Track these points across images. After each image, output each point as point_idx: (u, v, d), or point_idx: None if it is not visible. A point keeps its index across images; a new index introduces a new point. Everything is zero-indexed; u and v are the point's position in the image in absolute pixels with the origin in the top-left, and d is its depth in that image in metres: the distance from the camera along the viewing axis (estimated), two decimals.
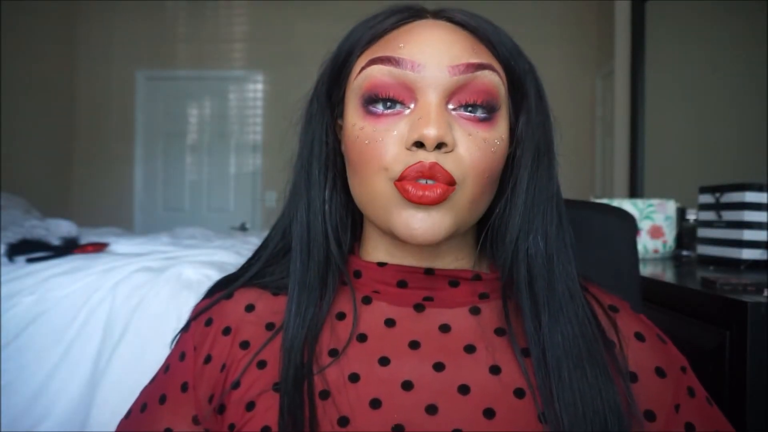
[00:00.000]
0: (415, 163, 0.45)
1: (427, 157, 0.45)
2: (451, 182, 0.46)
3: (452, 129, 0.46)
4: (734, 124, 2.40)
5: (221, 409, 0.50)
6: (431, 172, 0.45)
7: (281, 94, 3.99)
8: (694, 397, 0.51)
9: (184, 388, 0.52)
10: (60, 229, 1.70)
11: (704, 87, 2.61)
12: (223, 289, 0.58)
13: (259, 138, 4.07)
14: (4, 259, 1.52)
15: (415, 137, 0.45)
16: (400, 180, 0.46)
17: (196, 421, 0.51)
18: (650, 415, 0.49)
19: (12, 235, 1.65)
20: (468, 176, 0.47)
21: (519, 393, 0.47)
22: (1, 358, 1.33)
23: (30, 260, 1.50)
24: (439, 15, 0.50)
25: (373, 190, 0.48)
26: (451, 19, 0.50)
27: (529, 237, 0.50)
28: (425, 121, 0.45)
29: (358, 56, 0.50)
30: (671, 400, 0.50)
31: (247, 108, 4.10)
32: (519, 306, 0.51)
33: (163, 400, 0.53)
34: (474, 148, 0.47)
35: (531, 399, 0.47)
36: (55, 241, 1.64)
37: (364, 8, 0.55)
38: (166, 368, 0.56)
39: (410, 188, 0.45)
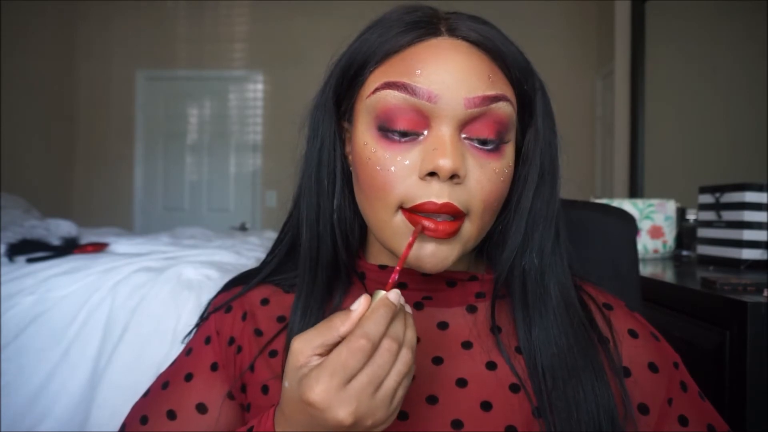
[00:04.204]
0: (427, 202, 0.46)
1: (440, 192, 0.45)
2: (461, 215, 0.47)
3: (465, 159, 0.46)
4: (734, 124, 2.41)
5: (243, 388, 0.54)
6: (442, 211, 0.46)
7: (281, 94, 4.00)
8: (687, 391, 0.53)
9: (214, 367, 0.56)
10: (60, 229, 1.70)
11: (704, 87, 2.62)
12: (238, 284, 0.61)
13: (259, 138, 4.07)
14: (4, 259, 1.52)
15: (429, 168, 0.45)
16: (411, 211, 0.47)
17: (230, 396, 0.55)
18: (644, 409, 0.50)
19: (12, 235, 1.65)
20: (477, 208, 0.47)
21: (514, 388, 0.49)
22: (1, 358, 1.33)
23: (30, 260, 1.50)
24: (454, 32, 0.48)
25: (381, 218, 0.48)
26: (466, 38, 0.48)
27: (525, 254, 0.52)
28: (440, 153, 0.45)
29: (372, 71, 0.49)
30: (664, 394, 0.51)
31: (247, 108, 4.10)
32: (513, 316, 0.52)
33: (189, 377, 0.56)
34: (485, 181, 0.47)
35: (525, 394, 0.49)
36: (55, 241, 1.64)
37: (364, 8, 0.55)
38: (188, 351, 0.58)
39: (425, 222, 0.46)
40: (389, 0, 0.56)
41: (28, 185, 3.24)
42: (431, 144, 0.46)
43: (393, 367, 0.39)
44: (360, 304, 0.41)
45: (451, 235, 0.46)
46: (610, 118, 3.23)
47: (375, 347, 0.38)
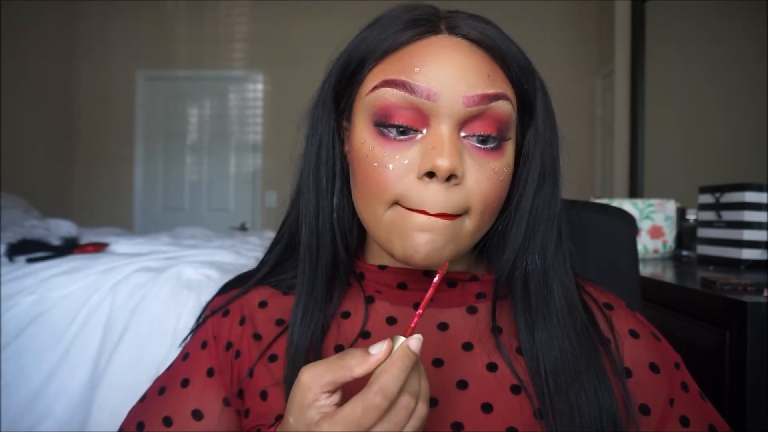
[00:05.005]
0: (420, 210, 0.45)
1: (435, 196, 0.45)
2: (458, 215, 0.46)
3: (463, 159, 0.46)
4: (734, 124, 2.41)
5: (240, 394, 0.53)
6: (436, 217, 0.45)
7: (281, 94, 3.99)
8: (688, 391, 0.52)
9: (210, 373, 0.55)
10: (60, 229, 1.70)
11: (704, 87, 2.61)
12: (236, 286, 0.60)
13: (259, 138, 4.07)
14: (4, 259, 1.52)
15: (427, 167, 0.45)
16: (409, 209, 0.46)
17: (227, 402, 0.54)
18: (645, 410, 0.50)
19: (12, 235, 1.65)
20: (476, 208, 0.47)
21: (515, 389, 0.49)
22: (1, 358, 1.33)
23: (30, 260, 1.50)
24: (454, 30, 0.48)
25: (375, 214, 0.48)
26: (466, 36, 0.48)
27: (527, 255, 0.51)
28: (438, 152, 0.44)
29: (371, 69, 0.49)
30: (666, 395, 0.51)
31: (247, 108, 4.10)
32: (514, 317, 0.52)
33: (185, 383, 0.55)
34: (483, 180, 0.47)
35: (526, 395, 0.48)
36: (55, 241, 1.64)
37: (364, 8, 0.55)
38: (184, 356, 0.58)
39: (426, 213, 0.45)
40: (390, 0, 0.56)
41: (28, 185, 3.24)
42: (429, 143, 0.46)
43: (408, 422, 0.38)
44: (381, 350, 0.39)
45: (451, 218, 0.46)
46: (610, 118, 3.23)
47: (392, 405, 0.37)
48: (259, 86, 4.07)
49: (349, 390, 0.40)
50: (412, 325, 0.41)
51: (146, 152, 4.13)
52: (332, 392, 0.39)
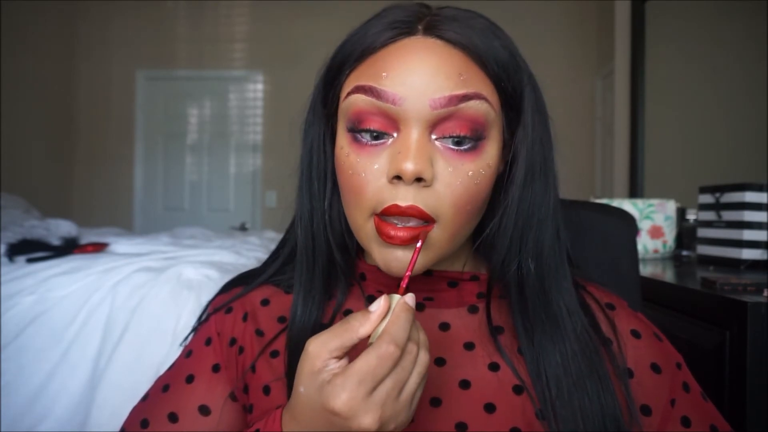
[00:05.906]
0: (392, 205, 0.45)
1: (405, 195, 0.45)
2: (429, 220, 0.46)
3: (434, 162, 0.45)
4: (734, 124, 2.41)
5: (246, 389, 0.54)
6: (407, 214, 0.45)
7: (281, 94, 4.00)
8: (689, 392, 0.52)
9: (216, 369, 0.55)
10: (60, 229, 1.70)
11: (704, 87, 2.61)
12: (238, 284, 0.61)
13: (259, 138, 4.07)
14: (4, 259, 1.52)
15: (394, 172, 0.45)
16: (379, 215, 0.46)
17: (233, 397, 0.54)
18: (646, 410, 0.50)
19: (12, 235, 1.65)
20: (448, 213, 0.46)
21: (517, 390, 0.49)
22: (1, 358, 1.33)
23: (30, 260, 1.50)
24: (430, 31, 0.46)
25: (358, 223, 0.48)
26: (441, 36, 0.46)
27: (520, 258, 0.50)
28: (404, 156, 0.44)
29: (348, 74, 0.49)
30: (667, 395, 0.51)
31: (247, 108, 4.10)
32: (514, 326, 0.51)
33: (190, 379, 0.55)
34: (456, 184, 0.46)
35: (528, 396, 0.48)
36: (55, 241, 1.64)
37: (364, 8, 0.54)
38: (187, 353, 0.58)
39: (385, 229, 0.46)
40: (389, 0, 0.56)
41: (28, 185, 3.24)
42: (397, 147, 0.45)
43: (414, 369, 0.40)
44: (379, 306, 0.41)
45: (407, 242, 0.45)
46: (610, 118, 3.23)
47: (402, 354, 0.39)
48: (259, 86, 4.07)
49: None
50: (404, 285, 0.43)
51: (146, 152, 4.13)
52: (340, 358, 0.40)
